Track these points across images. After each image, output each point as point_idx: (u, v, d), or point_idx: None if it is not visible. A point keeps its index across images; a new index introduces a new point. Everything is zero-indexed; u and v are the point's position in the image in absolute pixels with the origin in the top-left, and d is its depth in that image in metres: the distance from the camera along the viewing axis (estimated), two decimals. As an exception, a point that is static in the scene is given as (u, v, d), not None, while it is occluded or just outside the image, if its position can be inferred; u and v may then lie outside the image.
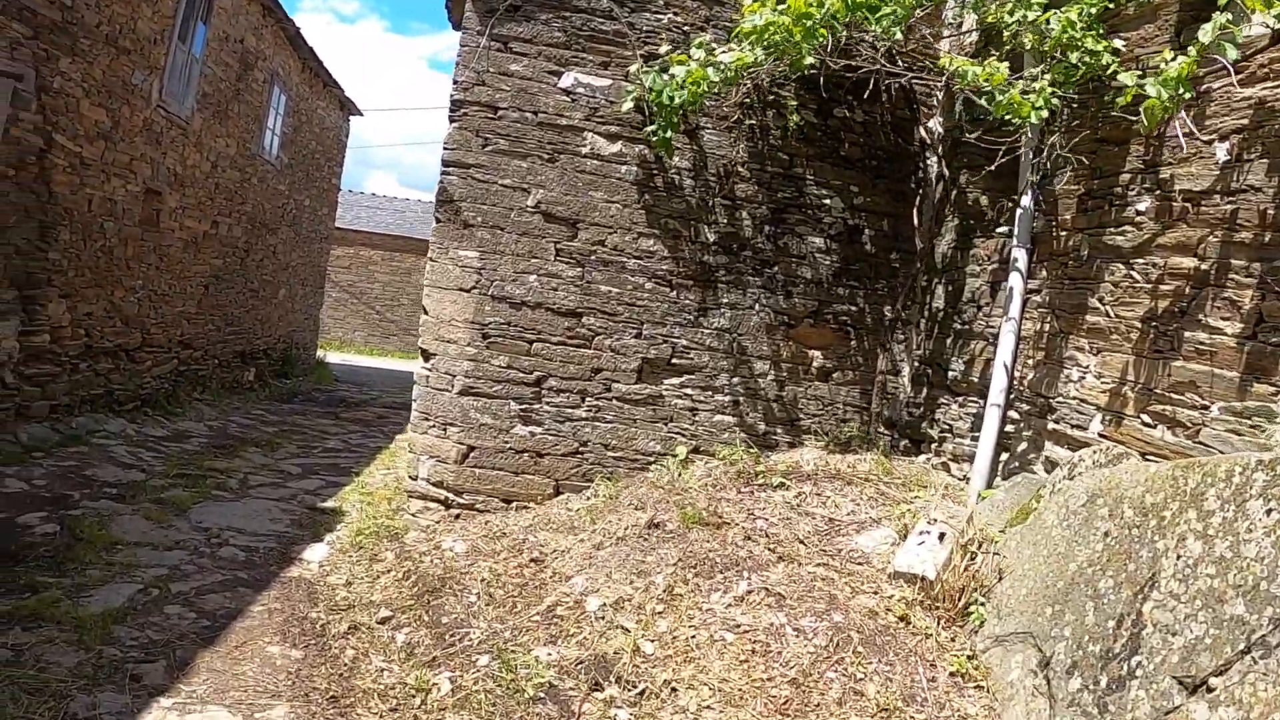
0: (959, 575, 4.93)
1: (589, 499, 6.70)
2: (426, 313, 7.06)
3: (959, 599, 4.86)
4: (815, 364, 7.43)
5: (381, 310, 32.69)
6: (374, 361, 28.45)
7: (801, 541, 5.68)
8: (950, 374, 6.97)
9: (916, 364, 7.49)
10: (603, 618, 4.88)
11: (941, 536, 5.29)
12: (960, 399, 6.85)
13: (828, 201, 7.40)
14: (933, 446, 7.14)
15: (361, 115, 22.84)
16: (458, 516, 6.89)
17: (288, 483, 9.07)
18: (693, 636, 4.66)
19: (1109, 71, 5.17)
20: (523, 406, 7.01)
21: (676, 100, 6.30)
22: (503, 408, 7.00)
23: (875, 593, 5.09)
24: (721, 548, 5.50)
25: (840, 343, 7.48)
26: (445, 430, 6.98)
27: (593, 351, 7.09)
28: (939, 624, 4.79)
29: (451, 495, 6.96)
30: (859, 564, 5.45)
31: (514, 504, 6.93)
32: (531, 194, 7.04)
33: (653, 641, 4.63)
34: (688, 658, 4.51)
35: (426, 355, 7.08)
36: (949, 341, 7.08)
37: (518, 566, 5.70)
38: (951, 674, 4.40)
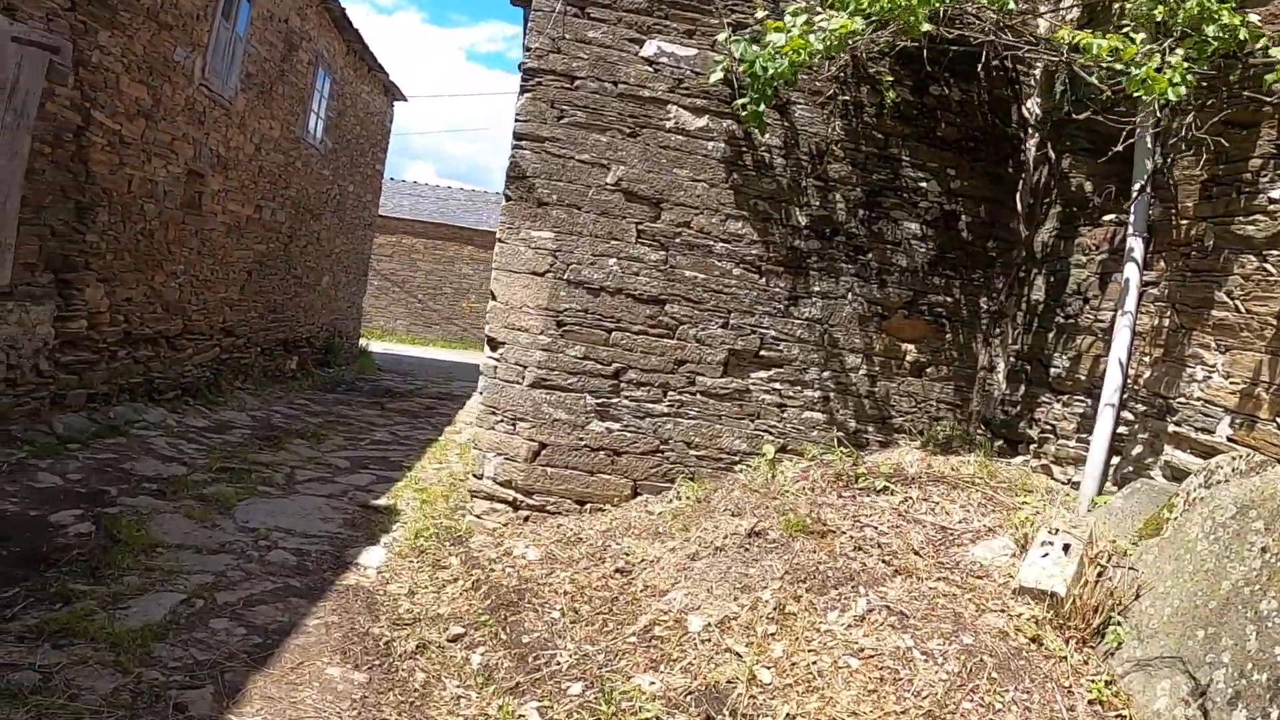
0: (1091, 592, 4.41)
1: (671, 501, 6.12)
2: (494, 298, 6.50)
3: (1092, 618, 4.35)
4: (908, 358, 6.83)
5: (424, 299, 32.26)
6: (417, 351, 27.99)
7: (916, 552, 5.10)
8: (1052, 371, 6.38)
9: (1013, 359, 6.87)
10: (708, 639, 4.29)
11: (1066, 548, 4.75)
12: (1064, 398, 6.28)
13: (924, 185, 6.79)
14: (1031, 448, 6.55)
15: (406, 101, 22.39)
16: (526, 519, 6.33)
17: (336, 477, 8.56)
18: (813, 662, 4.10)
19: (1246, 48, 4.70)
20: (599, 401, 6.43)
21: (770, 71, 5.75)
22: (578, 402, 6.43)
23: (1002, 611, 4.56)
24: (830, 559, 4.92)
25: (934, 336, 6.87)
26: (515, 426, 6.42)
27: (676, 342, 6.51)
28: (1070, 645, 4.26)
29: (520, 496, 6.39)
30: (979, 578, 4.90)
31: (588, 506, 6.37)
32: (611, 170, 6.45)
33: (769, 668, 4.05)
34: (810, 687, 3.92)
35: (494, 344, 6.52)
36: (1050, 336, 6.49)
37: (602, 577, 5.12)
38: (1090, 701, 3.93)
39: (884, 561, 4.97)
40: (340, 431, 11.37)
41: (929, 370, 6.87)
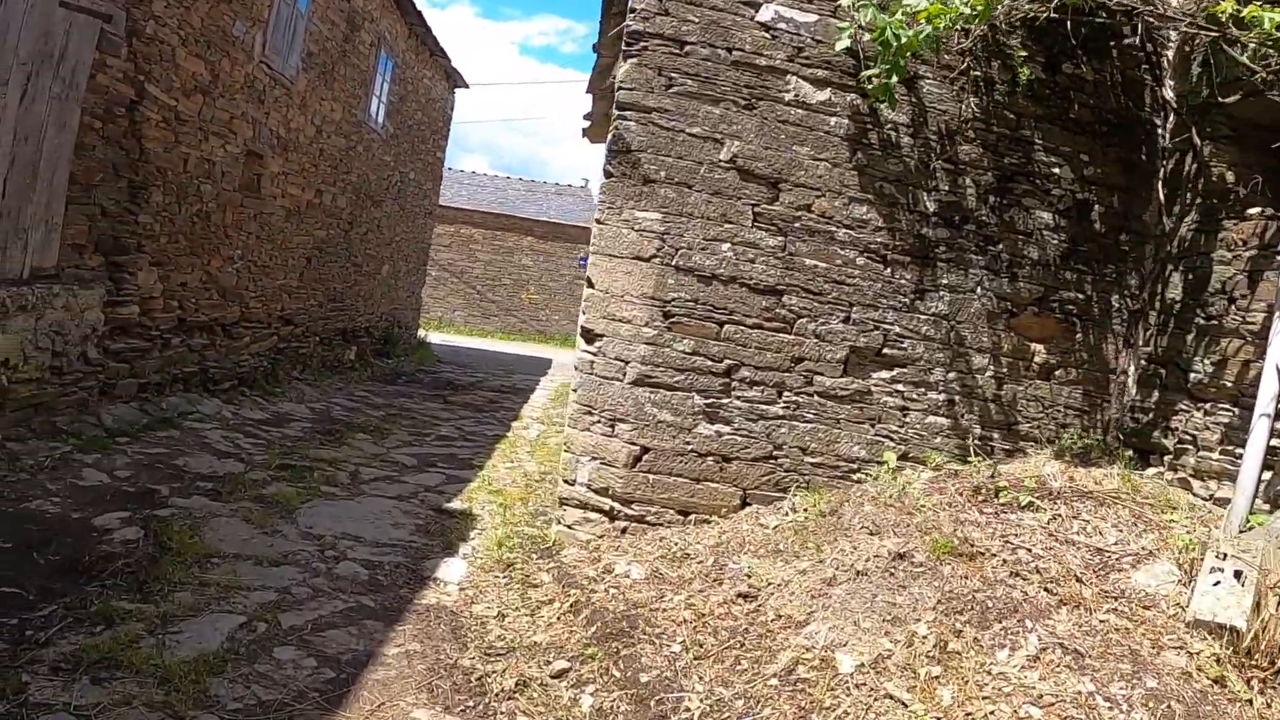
0: (1275, 627, 3.84)
1: (787, 514, 5.40)
2: (592, 285, 5.80)
3: (1277, 656, 3.79)
4: (1036, 359, 6.08)
5: (482, 290, 31.73)
6: (475, 342, 27.45)
7: (1078, 579, 4.41)
8: (1191, 376, 5.62)
9: (1144, 363, 6.08)
10: (863, 683, 3.59)
11: (1239, 575, 4.13)
12: (1205, 406, 5.53)
13: (1056, 170, 6.03)
14: (1166, 459, 5.78)
15: (467, 88, 21.84)
16: (624, 530, 5.63)
17: (404, 476, 7.94)
18: (991, 713, 3.42)
19: None
20: (708, 401, 5.72)
21: (903, 40, 5.09)
22: (685, 402, 5.72)
23: (1180, 647, 3.93)
24: (986, 586, 4.21)
25: (1064, 335, 6.11)
26: (613, 427, 5.72)
27: (794, 337, 5.78)
28: (1254, 687, 3.69)
29: (617, 505, 5.69)
30: (1147, 608, 4.24)
31: (691, 517, 5.66)
32: (725, 146, 5.73)
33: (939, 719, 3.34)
34: (992, 741, 3.23)
35: (590, 336, 5.81)
36: (1189, 338, 5.72)
37: (723, 603, 4.41)
38: (1282, 753, 3.32)
39: (1045, 589, 4.30)
40: (404, 426, 10.78)
41: (1058, 373, 6.11)
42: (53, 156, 6.88)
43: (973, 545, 4.59)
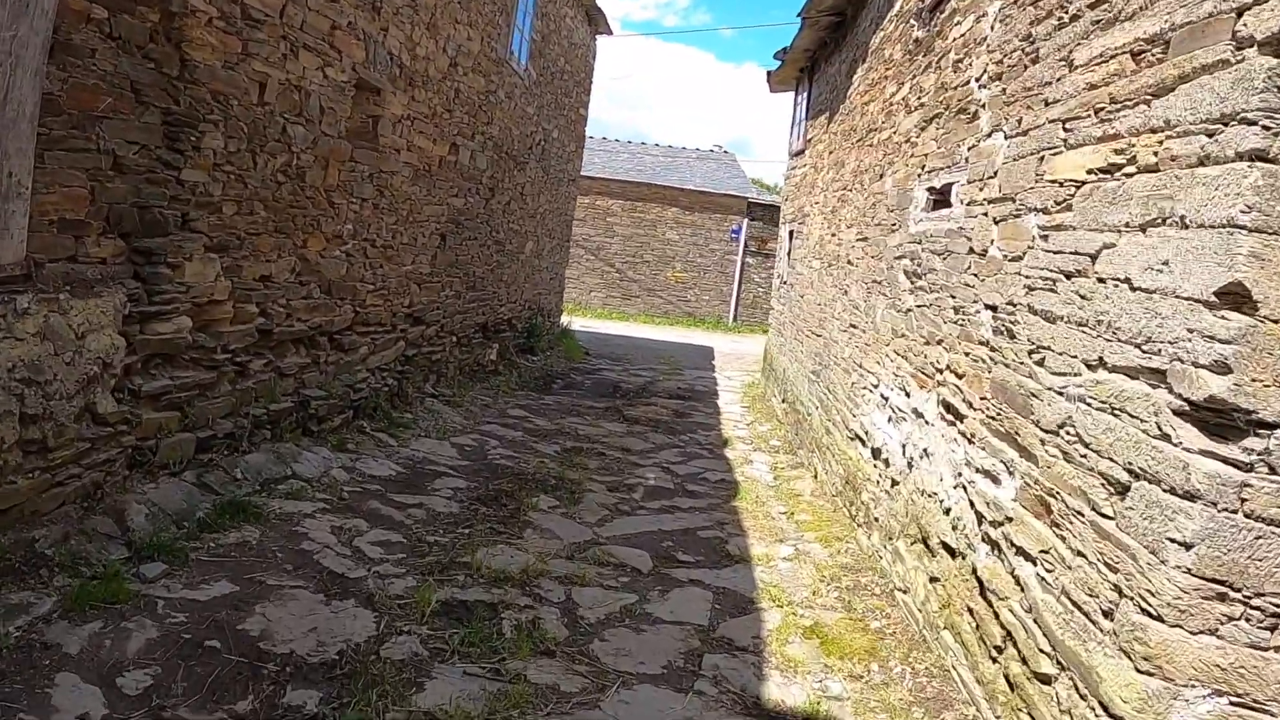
0: None
1: None
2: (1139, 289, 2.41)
3: None
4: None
5: (621, 268, 28.39)
6: (618, 327, 24.16)
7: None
8: None
9: None
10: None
11: None
12: None
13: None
14: None
15: (611, 34, 18.57)
16: None
17: (647, 601, 4.83)
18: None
19: None
20: None
21: None
22: None
23: None
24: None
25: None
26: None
27: None
28: None
29: None
30: None
31: None
32: None
33: None
34: None
35: (1256, 422, 2.40)
36: None
37: None
38: None
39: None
40: (593, 471, 7.64)
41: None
42: (2, 60, 3.75)
43: None
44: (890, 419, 6.12)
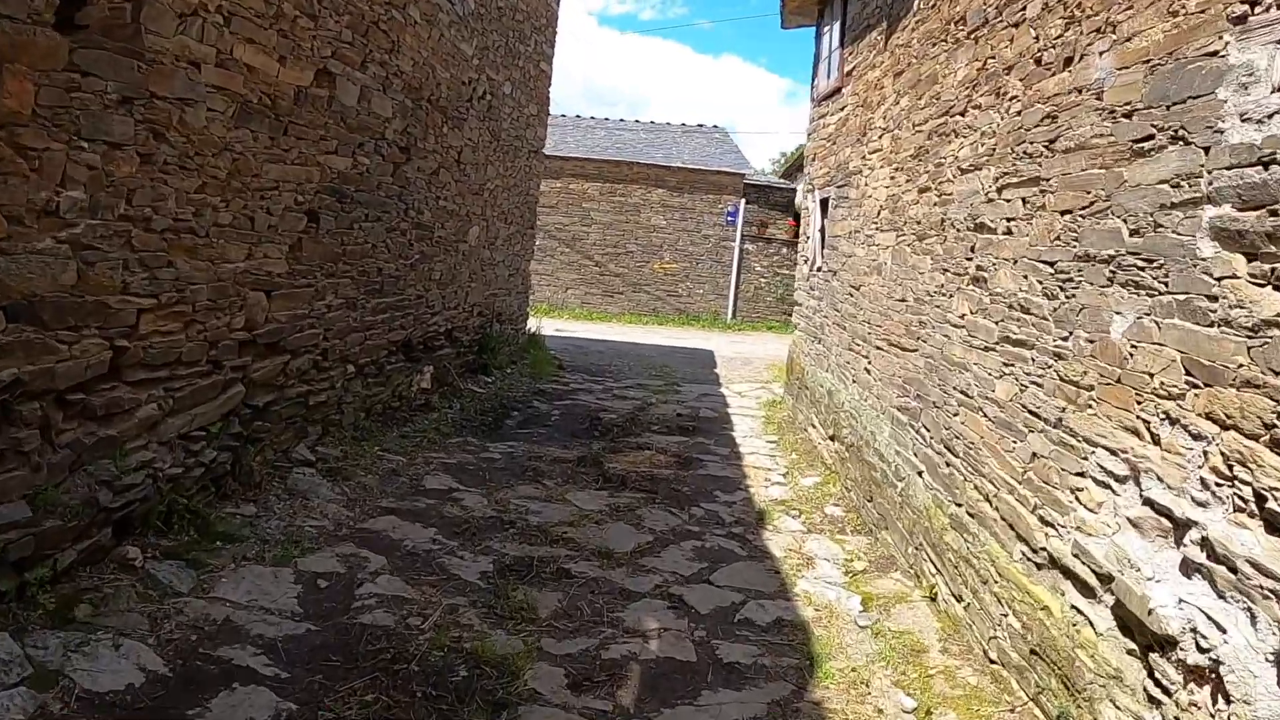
0: None
1: None
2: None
3: None
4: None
5: (602, 261, 24.72)
6: (599, 330, 20.57)
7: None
8: None
9: None
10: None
11: None
12: None
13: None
14: None
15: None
16: None
17: None
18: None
19: None
20: None
21: None
22: None
23: None
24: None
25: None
26: None
27: None
28: None
29: None
30: None
31: None
32: None
33: None
34: None
35: None
36: None
37: None
38: None
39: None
40: (544, 622, 4.26)
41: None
42: None
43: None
44: (1190, 567, 2.71)
